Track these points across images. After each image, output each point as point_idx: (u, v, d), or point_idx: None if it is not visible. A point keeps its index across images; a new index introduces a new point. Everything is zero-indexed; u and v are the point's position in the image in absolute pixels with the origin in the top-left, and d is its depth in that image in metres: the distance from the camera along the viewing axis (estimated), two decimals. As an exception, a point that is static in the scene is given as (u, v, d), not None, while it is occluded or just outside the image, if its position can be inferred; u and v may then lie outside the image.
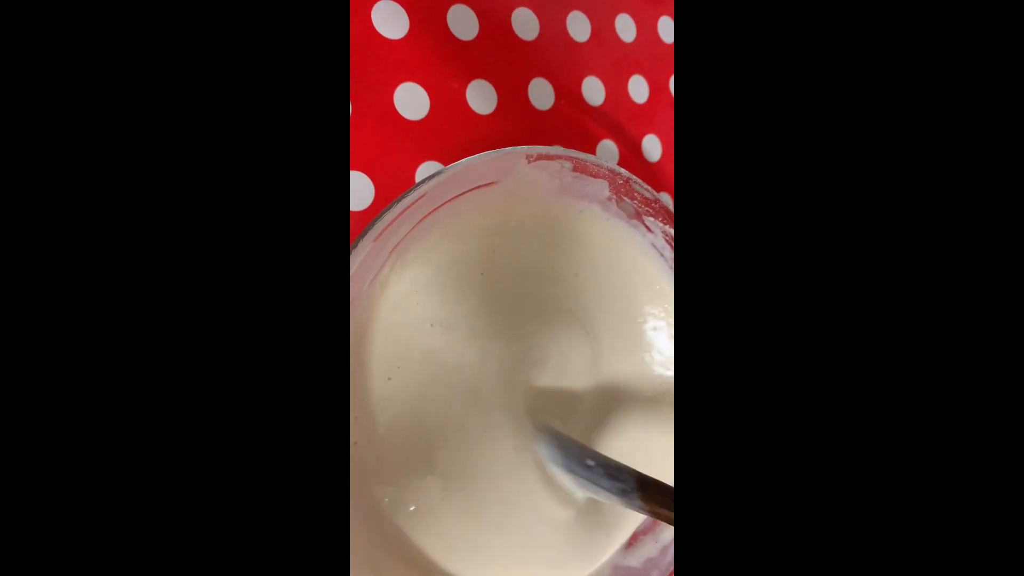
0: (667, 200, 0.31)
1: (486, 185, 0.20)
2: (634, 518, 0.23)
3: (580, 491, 0.21)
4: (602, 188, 0.22)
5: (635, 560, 0.22)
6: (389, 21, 0.24)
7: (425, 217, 0.19)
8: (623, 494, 0.19)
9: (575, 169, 0.20)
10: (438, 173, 0.17)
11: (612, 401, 0.24)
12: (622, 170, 0.21)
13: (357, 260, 0.17)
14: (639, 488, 0.18)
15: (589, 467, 0.20)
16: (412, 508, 0.20)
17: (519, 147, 0.19)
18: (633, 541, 0.23)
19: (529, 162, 0.19)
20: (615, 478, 0.19)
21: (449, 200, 0.19)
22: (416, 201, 0.17)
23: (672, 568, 0.21)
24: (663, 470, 0.24)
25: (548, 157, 0.19)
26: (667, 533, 0.22)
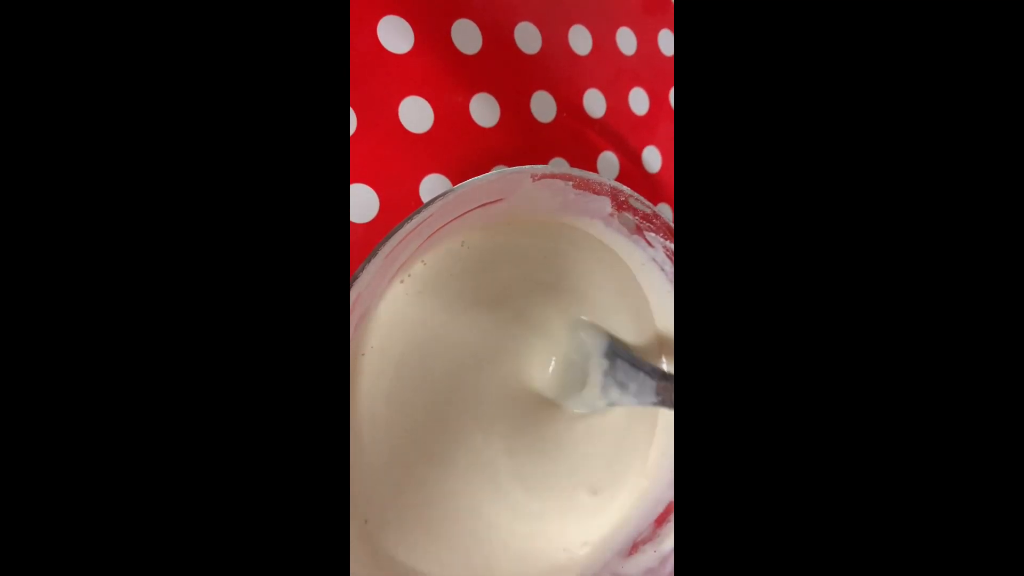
0: (666, 211, 0.32)
1: (492, 202, 0.20)
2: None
3: (606, 391, 0.22)
4: (604, 204, 0.22)
5: (635, 569, 0.22)
6: (394, 35, 0.25)
7: (433, 234, 0.20)
8: (663, 378, 0.21)
9: (578, 187, 0.21)
10: (446, 193, 0.18)
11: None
12: (624, 187, 0.21)
13: (368, 278, 0.17)
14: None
15: (633, 355, 0.22)
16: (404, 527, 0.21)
17: (524, 167, 0.19)
18: (633, 550, 0.23)
19: (534, 180, 0.20)
20: (654, 367, 0.21)
21: (456, 217, 0.20)
22: (425, 220, 0.18)
23: (672, 578, 0.22)
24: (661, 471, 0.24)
25: (552, 176, 0.20)
26: (667, 543, 0.22)
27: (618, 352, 0.22)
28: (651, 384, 0.21)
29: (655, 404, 0.21)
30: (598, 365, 0.22)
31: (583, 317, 0.23)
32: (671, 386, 0.20)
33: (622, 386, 0.21)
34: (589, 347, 0.22)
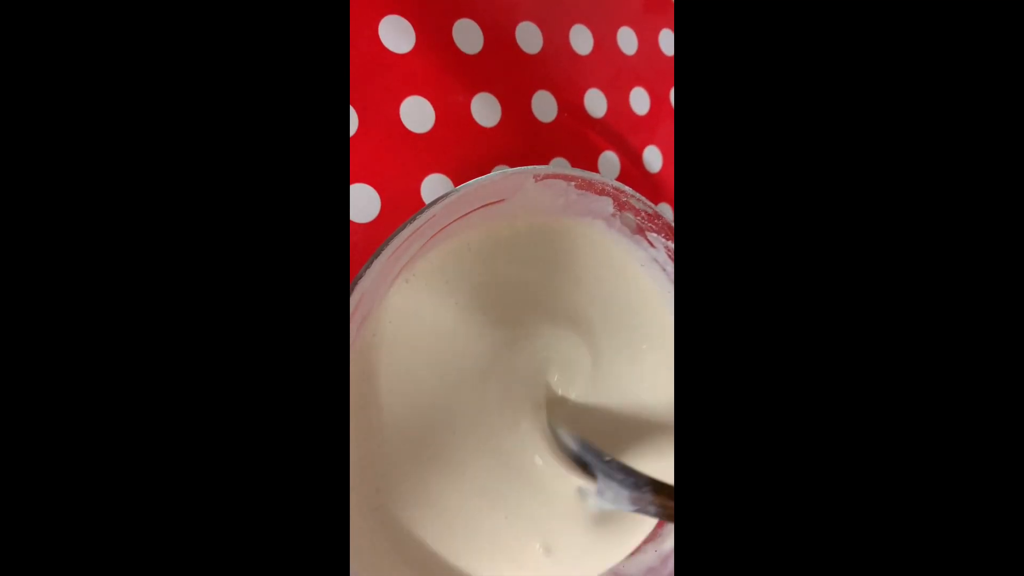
0: (667, 211, 0.32)
1: (494, 203, 0.20)
2: (641, 527, 0.24)
3: (588, 494, 0.21)
4: (606, 205, 0.22)
5: (636, 568, 0.23)
6: (396, 35, 0.25)
7: (436, 234, 0.20)
8: (635, 487, 0.19)
9: (579, 187, 0.21)
10: (449, 193, 0.18)
11: (608, 410, 0.24)
12: (625, 188, 0.21)
13: (371, 278, 0.17)
14: (650, 484, 0.19)
15: (607, 460, 0.21)
16: (412, 503, 0.21)
17: (526, 167, 0.19)
18: (635, 550, 0.23)
19: (536, 181, 0.20)
20: (628, 473, 0.20)
21: (458, 218, 0.20)
22: (427, 221, 0.18)
23: (673, 577, 0.22)
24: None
25: (554, 176, 0.20)
26: (668, 543, 0.23)
27: (588, 459, 0.21)
28: (625, 494, 0.20)
29: (633, 511, 0.20)
30: (570, 466, 0.21)
31: (559, 419, 0.22)
32: (647, 496, 0.19)
33: (599, 492, 0.21)
34: (566, 449, 0.22)
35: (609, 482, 0.20)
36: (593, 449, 0.21)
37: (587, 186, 0.21)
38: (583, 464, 0.21)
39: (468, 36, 0.26)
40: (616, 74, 0.31)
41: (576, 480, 0.21)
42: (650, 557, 0.23)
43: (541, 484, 0.22)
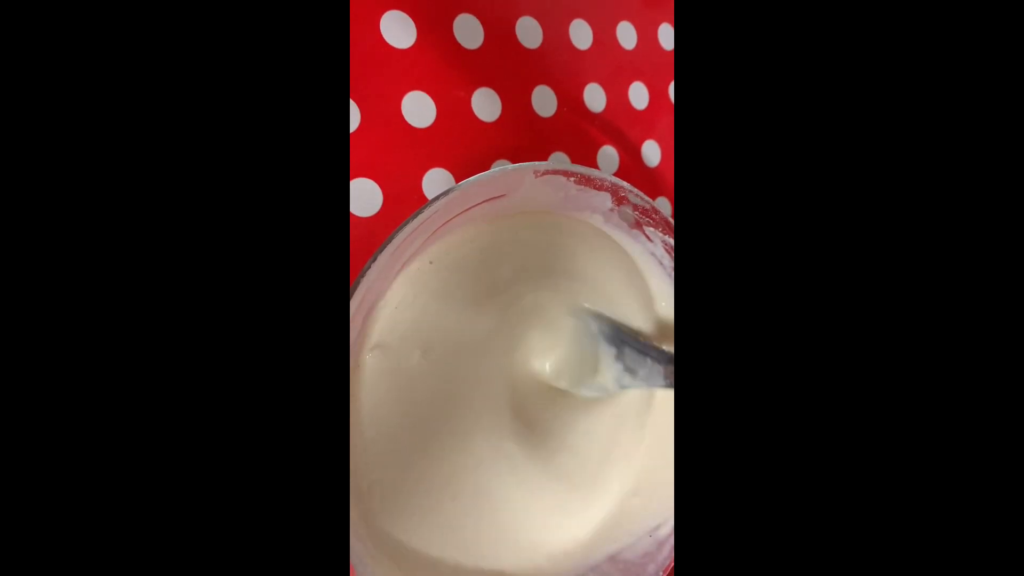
0: (665, 205, 0.32)
1: (495, 198, 0.20)
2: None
3: (618, 377, 0.23)
4: (604, 200, 0.22)
5: (632, 554, 0.23)
6: (397, 30, 0.25)
7: (437, 230, 0.20)
8: (669, 362, 0.21)
9: (579, 183, 0.21)
10: (451, 190, 0.18)
11: None
12: (624, 183, 0.21)
13: (374, 273, 0.17)
14: None
15: (641, 341, 0.23)
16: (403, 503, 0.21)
17: (526, 164, 0.19)
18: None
19: (536, 177, 0.20)
20: (662, 352, 0.22)
21: (459, 213, 0.20)
22: (429, 217, 0.18)
23: (668, 562, 0.22)
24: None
25: (554, 172, 0.20)
26: (664, 528, 0.23)
27: (624, 339, 0.23)
28: (659, 368, 0.21)
29: (664, 387, 0.22)
30: (606, 352, 0.23)
31: (586, 304, 0.24)
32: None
33: (631, 371, 0.22)
34: (596, 334, 0.23)
35: (644, 358, 0.22)
36: (629, 332, 0.23)
37: (586, 181, 0.21)
38: (614, 348, 0.23)
39: (469, 31, 0.27)
40: (615, 69, 0.31)
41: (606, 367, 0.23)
42: (646, 543, 0.23)
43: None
